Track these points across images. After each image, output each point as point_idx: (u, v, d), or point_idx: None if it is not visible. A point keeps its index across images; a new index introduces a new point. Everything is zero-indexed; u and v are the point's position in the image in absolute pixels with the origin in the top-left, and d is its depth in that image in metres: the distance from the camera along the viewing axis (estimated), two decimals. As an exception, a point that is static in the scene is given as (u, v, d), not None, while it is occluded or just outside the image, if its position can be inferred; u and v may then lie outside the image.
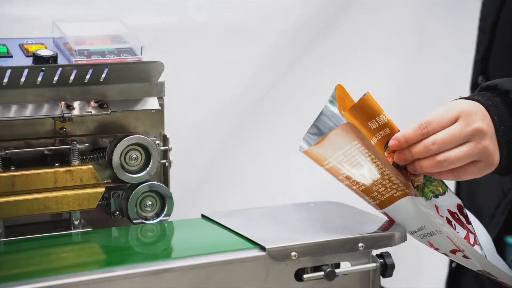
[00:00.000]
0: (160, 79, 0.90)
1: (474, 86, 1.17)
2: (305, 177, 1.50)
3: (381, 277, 0.83)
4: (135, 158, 0.88)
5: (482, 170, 0.80)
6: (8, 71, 0.79)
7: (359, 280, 0.83)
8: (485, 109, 0.81)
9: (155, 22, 1.33)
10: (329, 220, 0.90)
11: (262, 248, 0.78)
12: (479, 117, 0.79)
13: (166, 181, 0.92)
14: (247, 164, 1.46)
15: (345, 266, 0.82)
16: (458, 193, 1.10)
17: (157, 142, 0.90)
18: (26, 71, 0.80)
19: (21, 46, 0.88)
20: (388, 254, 0.83)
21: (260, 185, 1.46)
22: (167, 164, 0.93)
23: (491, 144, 0.78)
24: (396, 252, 0.84)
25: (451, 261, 1.23)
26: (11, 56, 0.86)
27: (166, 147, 0.93)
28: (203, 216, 0.89)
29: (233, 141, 1.45)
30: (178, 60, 1.35)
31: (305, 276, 0.80)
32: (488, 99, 0.82)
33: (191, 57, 1.38)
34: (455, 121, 0.80)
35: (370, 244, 0.82)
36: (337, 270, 0.80)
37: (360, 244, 0.82)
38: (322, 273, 0.80)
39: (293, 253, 0.79)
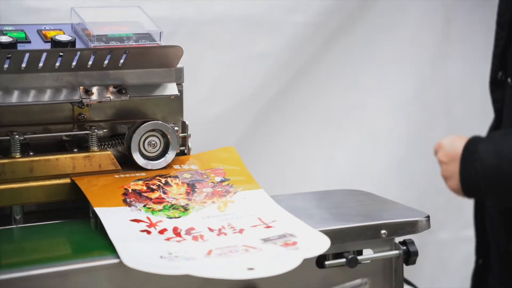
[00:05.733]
0: (179, 65, 0.89)
1: (494, 81, 1.15)
2: (324, 168, 1.48)
3: (404, 265, 0.81)
4: (154, 144, 0.87)
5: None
6: (27, 55, 0.78)
7: (382, 267, 0.81)
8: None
9: (172, 14, 1.32)
10: (350, 207, 0.88)
11: (283, 234, 0.77)
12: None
13: (185, 168, 0.91)
14: (266, 156, 1.45)
15: (367, 253, 0.81)
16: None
17: (176, 128, 0.89)
18: (44, 55, 0.79)
19: (39, 32, 0.88)
20: (411, 242, 0.82)
21: (279, 176, 1.44)
22: (186, 151, 0.92)
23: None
24: (419, 249, 0.82)
25: (478, 258, 1.21)
26: (29, 42, 0.86)
27: (185, 134, 0.92)
28: (223, 203, 0.88)
29: (252, 133, 1.43)
30: (196, 53, 1.34)
31: (326, 263, 0.78)
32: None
33: (209, 50, 1.37)
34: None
35: (393, 231, 0.80)
36: (359, 257, 0.79)
37: (382, 231, 0.80)
38: (343, 260, 0.78)
39: (314, 240, 0.77)
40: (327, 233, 0.78)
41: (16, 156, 0.81)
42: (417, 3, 1.49)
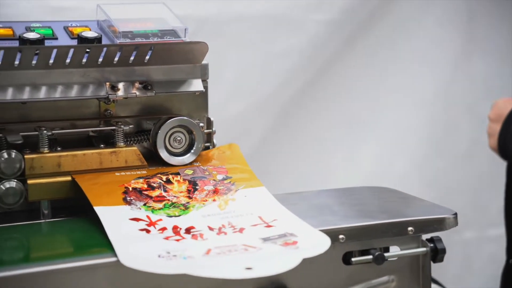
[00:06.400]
0: (204, 61, 0.89)
1: None
2: (345, 166, 1.48)
3: (431, 262, 0.81)
4: (180, 140, 0.87)
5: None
6: (54, 51, 0.79)
7: (409, 264, 0.80)
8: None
9: (195, 13, 1.32)
10: (376, 204, 0.88)
11: (309, 231, 0.77)
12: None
13: (210, 165, 0.91)
14: (288, 153, 1.45)
15: (394, 251, 0.80)
16: None
17: (201, 124, 0.89)
18: (71, 51, 0.80)
19: (65, 28, 0.88)
20: (438, 239, 0.81)
21: (300, 174, 1.44)
22: (210, 147, 0.92)
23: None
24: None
25: (508, 258, 1.20)
26: (56, 38, 0.86)
27: (210, 130, 0.92)
28: (248, 199, 0.88)
29: (274, 131, 1.43)
30: (218, 51, 1.34)
31: (353, 259, 0.78)
32: None
33: (230, 48, 1.37)
34: None
35: (420, 228, 0.80)
36: (385, 254, 0.78)
37: (409, 228, 0.79)
38: (370, 256, 0.78)
39: (340, 236, 0.77)
40: (353, 230, 0.78)
41: (44, 151, 0.81)
42: (440, 1, 1.48)
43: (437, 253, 0.80)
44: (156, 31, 0.88)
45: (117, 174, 0.82)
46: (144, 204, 0.78)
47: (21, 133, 0.80)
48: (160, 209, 0.77)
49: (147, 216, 0.76)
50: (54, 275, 0.67)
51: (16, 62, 0.78)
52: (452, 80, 1.52)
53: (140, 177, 0.81)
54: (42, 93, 0.81)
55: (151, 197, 0.79)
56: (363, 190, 0.95)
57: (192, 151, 0.88)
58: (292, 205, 0.85)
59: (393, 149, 1.51)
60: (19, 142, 0.79)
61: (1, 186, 0.79)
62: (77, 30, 0.87)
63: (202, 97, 0.91)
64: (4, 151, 0.79)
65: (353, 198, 0.91)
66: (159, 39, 0.87)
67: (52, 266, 0.68)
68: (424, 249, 0.80)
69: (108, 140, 0.86)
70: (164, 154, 0.86)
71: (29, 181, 0.80)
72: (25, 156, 0.80)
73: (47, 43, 0.83)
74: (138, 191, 0.79)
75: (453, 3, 1.50)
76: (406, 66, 1.50)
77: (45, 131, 0.81)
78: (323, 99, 1.47)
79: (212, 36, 1.34)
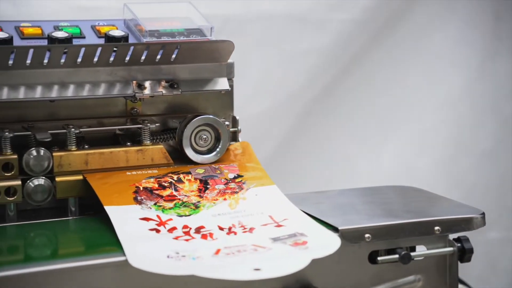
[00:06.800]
0: (230, 60, 0.89)
1: None
2: (369, 165, 1.47)
3: (459, 262, 0.80)
4: (205, 138, 0.88)
5: None
6: (82, 50, 0.80)
7: (436, 264, 0.80)
8: None
9: (218, 12, 1.33)
10: (403, 203, 0.87)
11: (335, 229, 0.77)
12: None
13: (235, 163, 0.91)
14: (312, 152, 1.45)
15: (421, 250, 0.80)
16: None
17: (227, 123, 0.89)
18: (99, 49, 0.80)
19: (93, 27, 0.89)
20: (466, 238, 0.80)
21: (324, 173, 1.44)
22: (236, 146, 0.92)
23: None
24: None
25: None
26: (84, 37, 0.87)
27: (236, 129, 0.92)
28: (273, 198, 0.88)
29: (298, 130, 1.43)
30: (242, 50, 1.35)
31: (379, 258, 0.77)
32: None
33: (255, 47, 1.37)
34: None
35: (447, 228, 0.79)
36: (412, 254, 0.78)
37: (436, 228, 0.79)
38: (396, 256, 0.78)
39: (366, 235, 0.77)
40: (379, 229, 0.77)
41: (72, 149, 0.82)
42: (466, 0, 1.47)
43: (464, 253, 0.80)
44: (182, 30, 0.88)
45: (128, 173, 0.82)
46: (155, 204, 0.78)
47: (49, 131, 0.81)
48: (170, 208, 0.77)
49: (157, 216, 0.76)
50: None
51: (45, 61, 0.79)
52: (477, 79, 1.51)
53: (151, 177, 0.81)
54: (70, 92, 0.82)
55: (161, 197, 0.79)
56: (388, 190, 0.94)
57: (217, 149, 0.88)
58: (316, 204, 0.85)
59: (417, 149, 1.50)
60: (48, 139, 0.80)
61: (30, 183, 0.80)
62: (104, 29, 0.88)
63: (227, 96, 0.91)
64: (33, 148, 0.80)
65: (378, 197, 0.91)
66: (185, 38, 0.87)
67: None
68: (451, 248, 0.80)
69: (135, 139, 0.86)
70: (189, 153, 0.87)
71: (57, 179, 0.81)
72: (53, 154, 0.81)
73: (75, 42, 0.84)
74: (149, 191, 0.79)
75: (478, 2, 1.48)
76: (430, 65, 1.49)
77: (73, 129, 0.82)
78: (347, 98, 1.46)
79: (236, 35, 1.34)
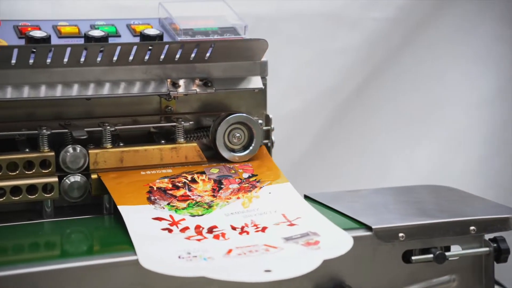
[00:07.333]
0: (263, 59, 0.89)
1: None
2: (403, 164, 1.46)
3: (495, 263, 0.79)
4: (239, 137, 0.88)
5: None
6: (118, 48, 0.81)
7: (471, 265, 0.79)
8: None
9: (252, 10, 1.33)
10: (437, 203, 0.87)
11: (369, 228, 0.76)
12: None
13: (268, 161, 0.92)
14: (345, 151, 1.44)
15: (456, 250, 0.79)
16: None
17: (260, 121, 0.90)
18: (134, 48, 0.81)
19: (128, 26, 0.90)
20: (502, 239, 0.79)
21: (357, 172, 1.43)
22: (269, 144, 0.92)
23: None
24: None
25: None
26: (119, 36, 0.88)
27: (269, 127, 0.92)
28: (305, 196, 0.88)
29: (330, 129, 1.43)
30: (275, 48, 1.35)
31: (413, 258, 0.77)
32: None
33: (288, 46, 1.37)
34: None
35: (482, 228, 0.78)
36: (447, 253, 0.77)
37: (471, 227, 0.78)
38: (431, 255, 0.77)
39: (400, 234, 0.76)
40: (413, 228, 0.77)
41: (108, 147, 0.83)
42: (502, -2, 1.45)
43: (500, 253, 0.79)
44: (216, 29, 0.89)
45: (142, 173, 0.82)
46: (168, 204, 0.78)
47: (85, 129, 0.82)
48: (183, 208, 0.77)
49: (170, 216, 0.76)
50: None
51: (82, 59, 0.80)
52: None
53: (165, 177, 0.82)
54: (106, 90, 0.83)
55: (175, 197, 0.79)
56: (422, 189, 0.94)
57: (251, 147, 0.88)
58: (349, 203, 0.85)
59: (451, 148, 1.49)
60: (84, 137, 0.81)
61: (66, 180, 0.81)
62: (139, 28, 0.89)
63: (261, 94, 0.91)
64: (69, 146, 0.81)
65: (412, 196, 0.90)
66: (219, 37, 0.88)
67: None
68: (486, 249, 0.79)
69: (169, 137, 0.87)
70: (223, 151, 0.87)
71: (93, 176, 0.82)
72: (89, 151, 0.82)
73: (111, 40, 0.85)
74: (163, 191, 0.80)
75: (514, -1, 1.46)
76: (465, 64, 1.47)
77: (108, 127, 0.83)
78: (380, 97, 1.45)
79: (269, 33, 1.34)
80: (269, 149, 0.92)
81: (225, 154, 0.87)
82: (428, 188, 0.94)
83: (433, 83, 1.47)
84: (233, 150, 0.88)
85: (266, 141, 0.92)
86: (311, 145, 1.41)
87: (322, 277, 0.74)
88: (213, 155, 0.88)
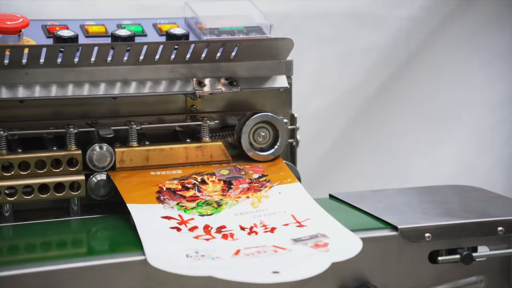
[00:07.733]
0: (289, 58, 0.89)
1: None
2: (426, 164, 1.45)
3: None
4: (264, 136, 0.88)
5: None
6: (145, 47, 0.81)
7: (499, 265, 0.78)
8: None
9: (276, 8, 1.33)
10: (464, 203, 0.86)
11: (394, 228, 0.76)
12: None
13: (293, 161, 0.92)
14: (368, 151, 1.43)
15: (483, 251, 0.78)
16: None
17: (285, 121, 0.90)
18: (161, 47, 0.82)
19: (154, 25, 0.91)
20: (530, 240, 0.78)
21: (380, 172, 1.42)
22: (294, 143, 0.92)
23: None
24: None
25: None
26: (146, 35, 0.89)
27: (294, 127, 0.92)
28: (330, 196, 0.88)
29: (354, 128, 1.42)
30: (300, 48, 1.34)
31: (439, 258, 0.76)
32: None
33: (312, 45, 1.37)
34: None
35: (511, 228, 0.78)
36: (474, 254, 0.76)
37: (499, 228, 0.77)
38: (457, 256, 0.76)
39: (426, 234, 0.76)
40: (440, 228, 0.76)
41: (134, 145, 0.83)
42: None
43: (528, 255, 0.78)
44: (242, 28, 0.89)
45: (152, 173, 0.82)
46: (177, 204, 0.78)
47: (112, 127, 0.83)
48: (192, 208, 0.77)
49: (179, 215, 0.76)
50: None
51: (109, 58, 0.81)
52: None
53: (175, 179, 0.81)
54: (132, 89, 0.83)
55: (184, 197, 0.79)
56: (447, 189, 0.93)
57: (276, 146, 0.88)
58: (374, 203, 0.84)
59: (474, 148, 1.48)
60: (110, 135, 0.82)
61: (93, 178, 0.82)
62: (165, 27, 0.89)
63: (286, 93, 0.91)
64: (96, 144, 0.82)
65: (437, 196, 0.89)
66: (244, 36, 0.88)
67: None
68: (514, 250, 0.78)
69: (194, 135, 0.87)
70: (248, 150, 0.87)
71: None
72: (116, 150, 0.83)
73: (137, 39, 0.86)
74: (172, 191, 0.80)
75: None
76: (488, 63, 1.46)
77: (134, 126, 0.84)
78: (404, 97, 1.44)
79: (293, 32, 1.34)
80: (294, 148, 0.92)
81: (250, 153, 0.87)
82: (453, 188, 0.93)
83: (457, 82, 1.46)
84: (258, 149, 0.88)
85: (291, 140, 0.92)
86: (335, 144, 1.40)
87: (347, 277, 0.74)
88: (237, 154, 0.88)
